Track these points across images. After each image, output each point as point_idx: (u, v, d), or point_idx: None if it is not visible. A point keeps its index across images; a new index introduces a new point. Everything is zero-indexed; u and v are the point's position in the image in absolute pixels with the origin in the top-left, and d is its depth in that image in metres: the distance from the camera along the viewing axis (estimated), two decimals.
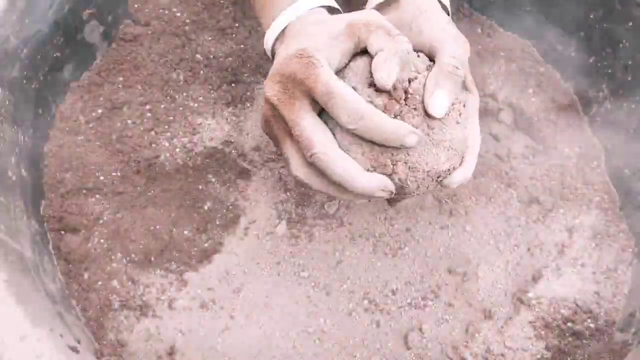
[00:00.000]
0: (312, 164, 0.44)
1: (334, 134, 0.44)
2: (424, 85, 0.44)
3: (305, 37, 0.45)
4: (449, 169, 0.46)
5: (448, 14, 0.53)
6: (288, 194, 0.65)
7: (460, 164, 0.47)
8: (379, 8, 0.53)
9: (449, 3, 0.55)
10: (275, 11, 0.50)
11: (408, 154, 0.44)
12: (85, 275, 0.59)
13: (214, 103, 0.69)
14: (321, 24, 0.46)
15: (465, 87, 0.49)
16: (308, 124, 0.42)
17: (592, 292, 0.61)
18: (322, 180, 0.45)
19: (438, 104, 0.43)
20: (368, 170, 0.44)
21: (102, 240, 0.60)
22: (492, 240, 0.64)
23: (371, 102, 0.43)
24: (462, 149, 0.47)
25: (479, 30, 0.78)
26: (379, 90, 0.44)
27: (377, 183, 0.43)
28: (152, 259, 0.60)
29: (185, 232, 0.62)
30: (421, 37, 0.48)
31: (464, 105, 0.47)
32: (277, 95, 0.43)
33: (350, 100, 0.42)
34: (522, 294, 0.61)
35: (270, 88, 0.44)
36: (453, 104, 0.45)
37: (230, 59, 0.70)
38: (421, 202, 0.66)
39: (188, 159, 0.65)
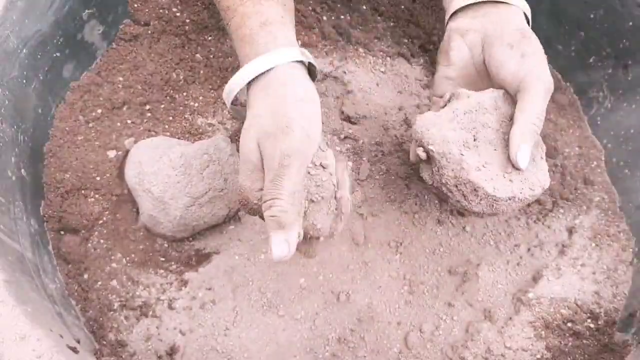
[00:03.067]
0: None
1: None
2: (509, 138, 0.49)
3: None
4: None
5: (528, 22, 0.54)
6: None
7: None
8: (461, 11, 0.55)
9: (529, 11, 0.56)
10: (251, 50, 0.50)
11: None
12: (85, 275, 0.59)
13: (214, 103, 0.68)
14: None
15: None
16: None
17: (592, 292, 0.61)
18: None
19: (523, 158, 0.49)
20: None
21: (101, 241, 0.60)
22: (492, 240, 0.64)
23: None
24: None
25: None
26: None
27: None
28: (152, 259, 0.60)
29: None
30: (514, 65, 0.50)
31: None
32: None
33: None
34: (522, 294, 0.61)
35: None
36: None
37: (230, 59, 0.70)
38: (421, 202, 0.66)
39: None
